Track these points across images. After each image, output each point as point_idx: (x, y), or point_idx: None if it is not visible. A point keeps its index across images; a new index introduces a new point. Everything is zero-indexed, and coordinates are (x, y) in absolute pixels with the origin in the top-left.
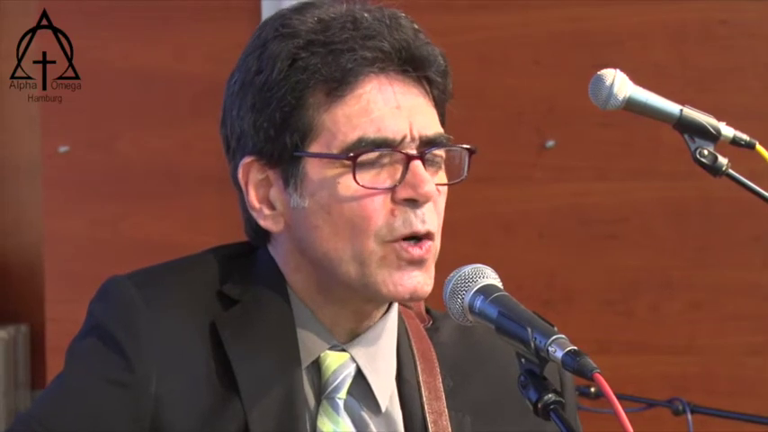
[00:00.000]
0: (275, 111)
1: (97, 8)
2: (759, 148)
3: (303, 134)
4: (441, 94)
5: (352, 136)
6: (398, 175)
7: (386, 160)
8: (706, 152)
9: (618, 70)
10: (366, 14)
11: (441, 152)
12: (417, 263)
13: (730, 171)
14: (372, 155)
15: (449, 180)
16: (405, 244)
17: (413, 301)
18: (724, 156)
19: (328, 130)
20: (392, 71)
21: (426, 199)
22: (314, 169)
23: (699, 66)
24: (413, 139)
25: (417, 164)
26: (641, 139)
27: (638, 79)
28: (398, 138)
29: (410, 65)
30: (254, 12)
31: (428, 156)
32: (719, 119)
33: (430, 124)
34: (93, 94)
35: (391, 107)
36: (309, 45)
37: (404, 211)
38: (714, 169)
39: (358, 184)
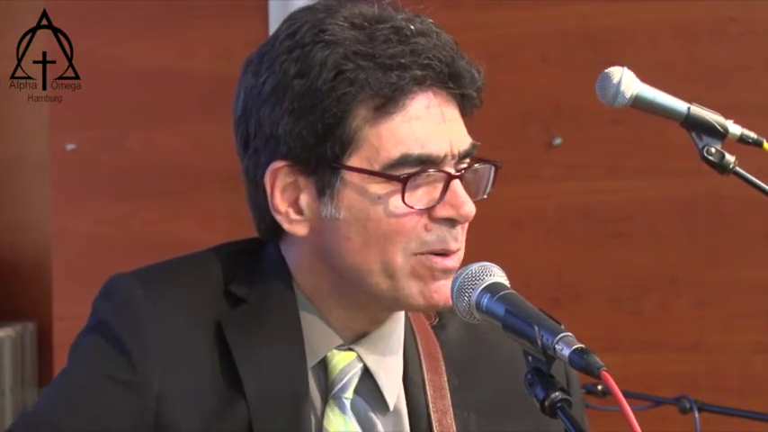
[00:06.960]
0: (318, 120)
1: (105, 6)
2: (767, 145)
3: (344, 145)
4: (473, 109)
5: (396, 152)
6: (437, 194)
7: (426, 178)
8: (713, 150)
9: (625, 68)
10: (411, 26)
11: (473, 170)
12: (448, 272)
13: (738, 169)
14: (417, 175)
15: (475, 196)
16: (435, 257)
17: (442, 309)
18: (732, 153)
19: (371, 144)
20: (437, 87)
21: (466, 219)
22: (354, 183)
23: (708, 63)
24: (453, 157)
25: (458, 183)
26: (650, 136)
27: (647, 77)
28: (441, 155)
29: (453, 81)
30: (262, 9)
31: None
32: (729, 116)
33: (464, 138)
34: (101, 91)
35: (435, 124)
36: (355, 56)
37: (439, 229)
38: (721, 167)
39: (405, 204)
